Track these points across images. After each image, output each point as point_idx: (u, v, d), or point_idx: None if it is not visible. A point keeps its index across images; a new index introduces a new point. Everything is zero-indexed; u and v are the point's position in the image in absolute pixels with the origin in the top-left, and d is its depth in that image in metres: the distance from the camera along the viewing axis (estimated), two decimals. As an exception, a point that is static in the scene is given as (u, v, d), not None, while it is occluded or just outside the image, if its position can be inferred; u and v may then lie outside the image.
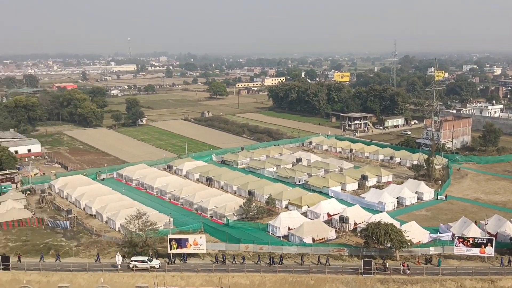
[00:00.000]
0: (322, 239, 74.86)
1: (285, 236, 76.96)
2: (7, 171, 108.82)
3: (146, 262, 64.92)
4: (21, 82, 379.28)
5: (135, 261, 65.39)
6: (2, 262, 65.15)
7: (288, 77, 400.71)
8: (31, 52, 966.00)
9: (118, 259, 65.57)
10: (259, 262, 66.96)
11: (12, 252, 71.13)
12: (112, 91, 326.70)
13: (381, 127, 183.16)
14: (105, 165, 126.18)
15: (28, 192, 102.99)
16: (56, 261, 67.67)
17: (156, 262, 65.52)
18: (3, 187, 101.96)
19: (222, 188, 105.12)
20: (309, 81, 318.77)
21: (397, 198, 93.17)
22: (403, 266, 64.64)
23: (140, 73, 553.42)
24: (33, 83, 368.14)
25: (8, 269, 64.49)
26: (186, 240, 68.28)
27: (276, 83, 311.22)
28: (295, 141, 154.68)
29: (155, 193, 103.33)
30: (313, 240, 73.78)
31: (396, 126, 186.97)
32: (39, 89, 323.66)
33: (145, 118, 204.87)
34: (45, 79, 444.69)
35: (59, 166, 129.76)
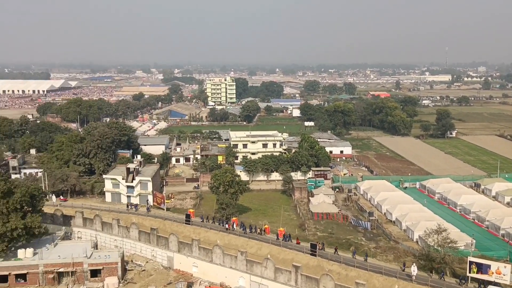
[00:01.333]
0: None
1: None
2: (322, 168, 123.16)
3: None
4: (341, 89, 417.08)
5: None
6: (311, 249, 73.55)
7: None
8: (352, 62, 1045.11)
9: (414, 270, 65.61)
10: None
11: (319, 241, 79.55)
12: (423, 101, 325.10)
13: None
14: (409, 174, 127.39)
15: (337, 190, 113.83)
16: (364, 260, 70.03)
17: None
18: (317, 182, 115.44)
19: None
20: None
21: None
22: None
23: (455, 84, 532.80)
24: (351, 91, 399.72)
25: (315, 255, 72.55)
26: (489, 266, 62.91)
27: None
28: None
29: (458, 210, 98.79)
30: None
31: None
32: (355, 96, 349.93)
33: (455, 131, 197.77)
34: (362, 87, 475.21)
35: (366, 169, 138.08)
